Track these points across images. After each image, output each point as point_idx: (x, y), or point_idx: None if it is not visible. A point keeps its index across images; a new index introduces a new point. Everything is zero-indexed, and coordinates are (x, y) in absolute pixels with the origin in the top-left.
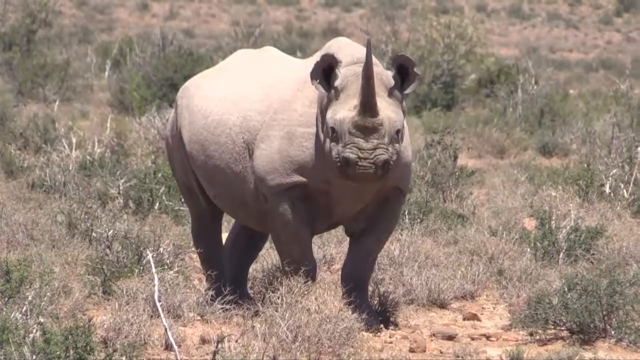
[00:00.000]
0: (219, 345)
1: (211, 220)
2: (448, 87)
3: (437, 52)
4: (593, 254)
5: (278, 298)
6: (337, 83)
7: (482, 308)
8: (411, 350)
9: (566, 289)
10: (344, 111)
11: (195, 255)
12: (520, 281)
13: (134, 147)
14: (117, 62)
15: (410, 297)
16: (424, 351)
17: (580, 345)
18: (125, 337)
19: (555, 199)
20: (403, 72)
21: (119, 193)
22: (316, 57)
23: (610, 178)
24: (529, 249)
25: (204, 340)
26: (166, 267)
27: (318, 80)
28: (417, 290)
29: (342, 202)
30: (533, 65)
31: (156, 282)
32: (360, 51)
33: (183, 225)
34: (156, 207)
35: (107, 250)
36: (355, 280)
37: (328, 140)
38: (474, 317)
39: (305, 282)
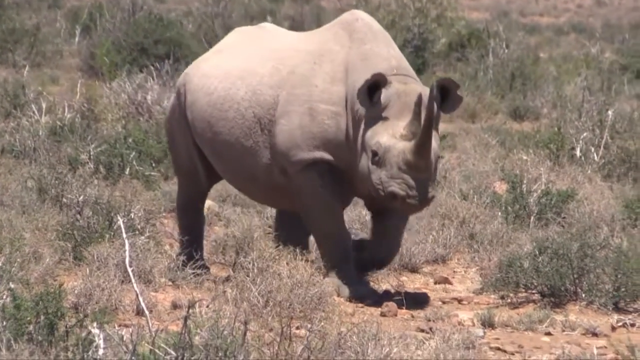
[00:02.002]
0: (190, 311)
1: (201, 198)
2: (419, 51)
3: (408, 16)
4: (564, 218)
5: (249, 263)
6: (381, 100)
7: (454, 272)
8: (382, 315)
9: (537, 253)
10: (389, 137)
11: (166, 221)
12: (491, 245)
13: (105, 112)
14: (87, 27)
15: None
16: (395, 315)
17: (551, 308)
18: (96, 303)
19: (526, 163)
20: (445, 93)
21: (89, 158)
22: (331, 31)
23: (581, 141)
24: (500, 213)
25: (175, 306)
26: (137, 232)
27: (362, 97)
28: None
29: (358, 184)
30: (504, 29)
31: (127, 247)
32: (392, 54)
33: (154, 190)
34: (127, 172)
35: (78, 216)
36: (384, 263)
37: (365, 158)
38: (446, 280)
39: (345, 259)
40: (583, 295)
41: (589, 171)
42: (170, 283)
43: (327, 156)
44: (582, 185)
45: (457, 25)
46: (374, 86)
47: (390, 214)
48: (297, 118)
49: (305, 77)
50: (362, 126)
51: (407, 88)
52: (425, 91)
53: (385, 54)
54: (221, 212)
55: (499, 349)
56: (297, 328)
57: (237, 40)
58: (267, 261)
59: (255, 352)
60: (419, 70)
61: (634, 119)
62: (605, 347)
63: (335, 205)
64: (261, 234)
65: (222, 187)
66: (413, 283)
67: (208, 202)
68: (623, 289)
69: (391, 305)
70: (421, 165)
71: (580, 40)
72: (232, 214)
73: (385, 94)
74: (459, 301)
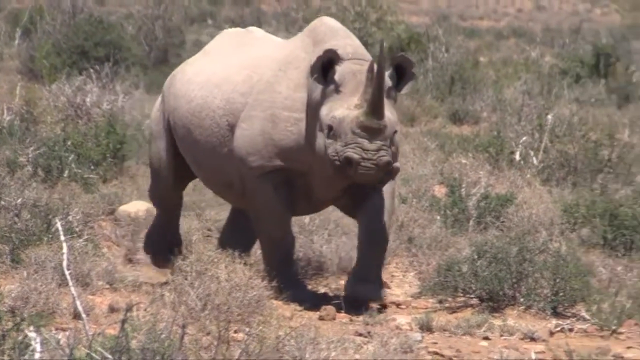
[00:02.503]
0: (128, 314)
1: (174, 190)
2: None
3: (348, 19)
4: (503, 222)
5: (187, 266)
6: (335, 78)
7: (392, 276)
8: (321, 318)
9: (476, 257)
10: (343, 109)
11: (105, 223)
12: (430, 249)
13: (44, 114)
14: (27, 30)
15: (320, 265)
16: (334, 319)
17: (489, 312)
18: (34, 306)
19: (465, 167)
20: (400, 71)
21: (28, 161)
22: (300, 38)
23: (520, 145)
24: (438, 217)
25: (112, 309)
26: (75, 235)
27: (316, 75)
28: (327, 258)
29: (320, 185)
30: (444, 33)
31: (65, 250)
32: (349, 42)
33: (92, 193)
34: (65, 175)
35: (16, 219)
36: (372, 243)
37: (321, 136)
38: (384, 284)
39: (286, 262)
40: (521, 299)
41: (528, 175)
42: (107, 286)
43: (286, 164)
44: (521, 189)
45: (397, 29)
46: (328, 63)
47: (364, 199)
48: (259, 123)
49: (269, 83)
50: (319, 107)
51: (362, 68)
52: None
53: (341, 44)
54: None
55: (437, 353)
56: (235, 332)
57: (221, 46)
58: (206, 264)
59: (193, 356)
60: None
61: (573, 123)
62: (544, 352)
63: (284, 212)
64: (200, 237)
65: None
66: None
67: (147, 206)
68: (561, 294)
69: (329, 309)
70: (374, 126)
71: (520, 45)
72: None
73: (339, 72)
74: (397, 305)
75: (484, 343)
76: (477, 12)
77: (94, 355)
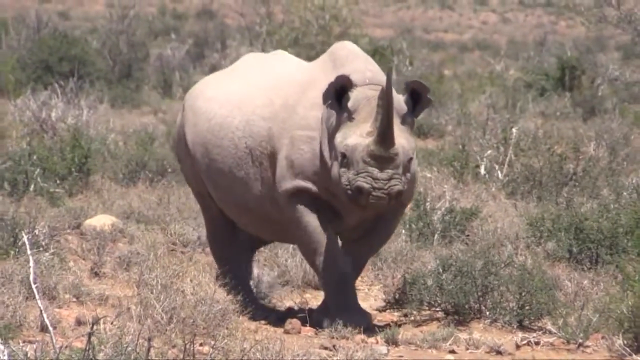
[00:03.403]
0: (95, 327)
1: (225, 222)
2: None
3: (311, 33)
4: (468, 235)
5: (153, 280)
6: (349, 105)
7: (357, 289)
8: (286, 332)
9: (441, 270)
10: (356, 137)
11: (71, 237)
12: (395, 262)
13: (9, 129)
14: None
15: (285, 279)
16: (299, 332)
17: (455, 326)
18: (1, 319)
19: (430, 181)
20: (416, 97)
21: None
22: (321, 60)
23: (485, 159)
24: (404, 230)
25: (79, 322)
26: (41, 248)
27: (330, 102)
28: (291, 272)
29: (344, 212)
30: (407, 47)
31: (32, 263)
32: (369, 68)
33: (58, 206)
34: (31, 189)
35: None
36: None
37: (336, 164)
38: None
39: (343, 286)
40: (487, 313)
41: (493, 189)
42: (74, 299)
43: (306, 184)
44: (486, 202)
45: (361, 42)
46: (341, 89)
47: (360, 245)
48: (285, 149)
49: (291, 106)
50: (334, 134)
51: (377, 94)
52: (394, 95)
53: (361, 68)
54: (125, 229)
55: None
56: (201, 345)
57: (246, 66)
58: (171, 278)
59: None
60: None
61: (538, 137)
62: None
63: (325, 232)
64: (165, 251)
65: (125, 202)
66: (317, 300)
67: (111, 219)
68: (527, 307)
69: (294, 322)
70: (384, 155)
71: (485, 58)
72: (136, 231)
73: (354, 99)
74: None
75: (450, 357)
76: (441, 25)
77: None
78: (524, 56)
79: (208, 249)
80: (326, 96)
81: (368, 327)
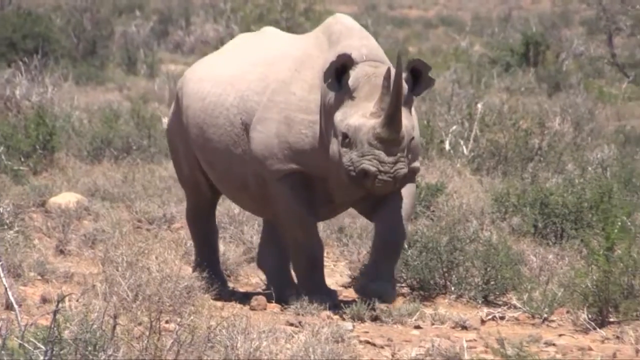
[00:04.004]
0: (60, 305)
1: (210, 207)
2: None
3: (275, 10)
4: (433, 211)
5: (119, 257)
6: (349, 83)
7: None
8: (252, 308)
9: (406, 246)
10: (358, 117)
11: (35, 215)
12: (360, 239)
13: None
14: None
15: (251, 255)
16: (265, 309)
17: (420, 301)
18: None
19: None
20: (417, 75)
21: None
22: (314, 35)
23: (450, 135)
24: None
25: (44, 300)
26: (6, 226)
27: (330, 80)
28: (257, 249)
29: (339, 190)
30: (372, 23)
31: None
32: (365, 43)
33: (23, 184)
34: None
35: None
36: (387, 247)
37: (335, 143)
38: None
39: (312, 267)
40: (452, 288)
41: (459, 164)
42: (39, 277)
43: (302, 167)
44: (452, 178)
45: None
46: (341, 68)
47: (382, 201)
48: (274, 126)
49: (284, 83)
50: (333, 112)
51: (377, 70)
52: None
53: (356, 44)
54: (90, 207)
55: (368, 342)
56: (167, 322)
57: (235, 46)
58: (137, 255)
59: (125, 346)
60: None
61: (503, 112)
62: (475, 340)
63: (307, 215)
64: (130, 228)
65: (90, 180)
66: None
67: (76, 197)
68: (492, 282)
69: (260, 299)
70: (391, 138)
71: (450, 34)
72: (101, 209)
73: (353, 77)
74: None
75: (416, 332)
76: (405, 1)
77: (26, 345)
78: (489, 32)
79: (174, 226)
80: (327, 75)
81: (333, 305)
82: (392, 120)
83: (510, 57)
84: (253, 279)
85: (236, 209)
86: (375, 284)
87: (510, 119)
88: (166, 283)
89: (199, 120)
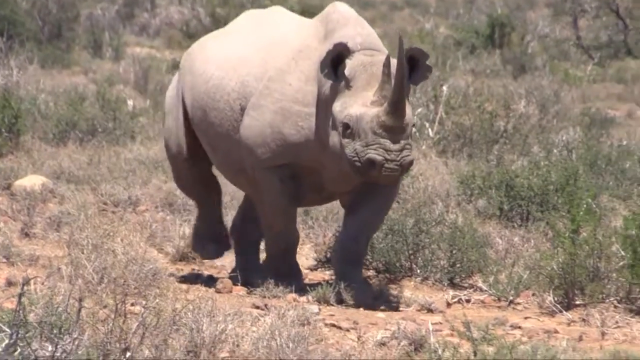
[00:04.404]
0: (25, 288)
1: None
2: None
3: None
4: (399, 194)
5: (84, 240)
6: (345, 73)
7: None
8: (217, 291)
9: None
10: (359, 106)
11: (0, 197)
12: (326, 221)
13: None
14: None
15: None
16: (230, 291)
17: (386, 284)
18: None
19: None
20: (413, 63)
21: None
22: (313, 24)
23: (415, 117)
24: None
25: (9, 283)
26: None
27: (327, 70)
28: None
29: (333, 180)
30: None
31: None
32: (360, 32)
33: None
34: None
35: None
36: (351, 254)
37: (336, 135)
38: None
39: (285, 251)
40: (418, 271)
41: (424, 147)
42: (4, 260)
43: (295, 160)
44: (417, 161)
45: (291, 2)
46: (338, 58)
47: (362, 211)
48: (269, 116)
49: (282, 72)
50: (331, 103)
51: (373, 59)
52: (393, 61)
53: (351, 34)
54: (55, 189)
55: (334, 325)
56: (132, 305)
57: (243, 25)
58: (102, 238)
59: (90, 329)
60: None
61: (468, 95)
62: (441, 323)
63: (289, 206)
64: (95, 211)
65: (55, 162)
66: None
67: (42, 179)
68: (458, 265)
69: (226, 281)
70: (397, 126)
71: (415, 16)
72: (66, 191)
73: (350, 66)
74: None
75: (381, 314)
76: None
77: None
78: (454, 14)
79: (139, 208)
80: (323, 65)
81: (299, 287)
82: (396, 107)
83: (476, 39)
84: (218, 261)
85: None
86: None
87: (475, 102)
88: (131, 266)
89: (202, 102)
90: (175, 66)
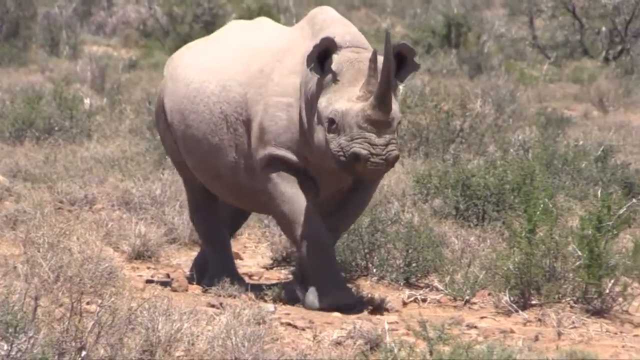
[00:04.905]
0: None
1: (206, 192)
2: (209, 27)
3: None
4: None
5: (40, 238)
6: (332, 68)
7: (245, 247)
8: (173, 290)
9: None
10: (344, 102)
11: None
12: None
13: None
14: None
15: (172, 237)
16: (186, 290)
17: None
18: None
19: None
20: (401, 60)
21: None
22: (299, 26)
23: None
24: None
25: None
26: None
27: (313, 65)
28: (179, 230)
29: (320, 181)
30: (294, 4)
31: None
32: (348, 30)
33: None
34: None
35: None
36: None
37: (321, 130)
38: (237, 256)
39: (326, 259)
40: (374, 270)
41: None
42: None
43: (280, 152)
44: None
45: (247, 1)
46: (325, 53)
47: (334, 216)
48: (259, 116)
49: (267, 74)
50: (316, 99)
51: (360, 56)
52: (380, 54)
53: (340, 32)
54: (12, 187)
55: (289, 324)
56: (88, 303)
57: (227, 34)
58: (58, 236)
59: (46, 328)
60: None
61: (425, 94)
62: (397, 323)
63: (304, 203)
64: (52, 209)
65: (12, 161)
66: None
67: (0, 177)
68: (414, 264)
69: (182, 280)
70: (382, 120)
71: (371, 15)
72: (22, 189)
73: (337, 62)
74: (250, 276)
75: (337, 314)
76: None
77: None
78: (411, 13)
79: (95, 207)
80: (310, 59)
81: (354, 305)
82: (382, 100)
83: (432, 39)
84: (174, 260)
85: (157, 189)
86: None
87: (431, 101)
88: (87, 264)
89: (181, 106)
90: (132, 65)
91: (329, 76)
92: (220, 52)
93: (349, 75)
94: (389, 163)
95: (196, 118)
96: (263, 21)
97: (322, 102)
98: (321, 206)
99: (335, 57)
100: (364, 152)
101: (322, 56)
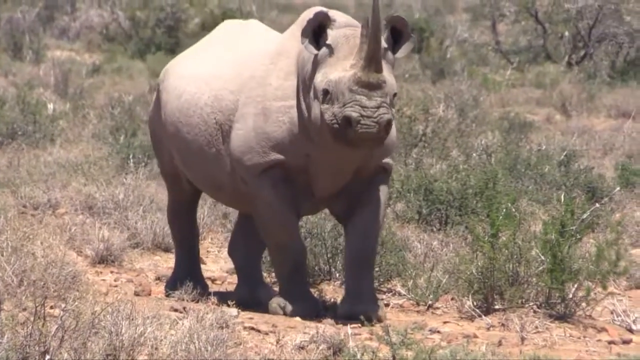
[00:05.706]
0: None
1: (190, 203)
2: (172, 31)
3: None
4: None
5: (3, 242)
6: (328, 43)
7: (207, 251)
8: (136, 294)
9: None
10: (338, 72)
11: None
12: None
13: None
14: None
15: (136, 241)
16: (149, 294)
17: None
18: None
19: None
20: (396, 34)
21: None
22: (290, 30)
23: (397, 88)
24: None
25: None
26: None
27: (308, 40)
28: (142, 234)
29: (321, 178)
30: (257, 9)
31: None
32: (342, 16)
33: None
34: None
35: None
36: (362, 261)
37: (317, 105)
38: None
39: (295, 271)
40: (337, 275)
41: None
42: None
43: (281, 157)
44: None
45: (210, 5)
46: (319, 28)
47: (360, 215)
48: (251, 120)
49: (261, 78)
50: (312, 79)
51: (356, 32)
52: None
53: (335, 18)
54: None
55: (253, 328)
56: (52, 307)
57: (217, 39)
58: (22, 240)
59: (9, 332)
60: (172, 50)
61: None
62: (360, 327)
63: (288, 215)
64: (15, 214)
65: None
66: (166, 262)
67: None
68: (377, 269)
69: (144, 284)
70: (372, 81)
71: None
72: None
73: (332, 37)
74: (213, 281)
75: (299, 319)
76: None
77: None
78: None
79: (59, 211)
80: (304, 34)
81: (317, 314)
82: (371, 61)
83: None
84: (137, 264)
85: (120, 194)
86: (361, 306)
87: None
88: (51, 268)
89: (174, 118)
90: (95, 69)
91: (325, 51)
92: (211, 61)
93: (344, 49)
94: (381, 127)
95: (191, 130)
96: (254, 23)
97: (318, 77)
98: (319, 206)
99: (330, 32)
100: (355, 114)
101: (316, 32)
